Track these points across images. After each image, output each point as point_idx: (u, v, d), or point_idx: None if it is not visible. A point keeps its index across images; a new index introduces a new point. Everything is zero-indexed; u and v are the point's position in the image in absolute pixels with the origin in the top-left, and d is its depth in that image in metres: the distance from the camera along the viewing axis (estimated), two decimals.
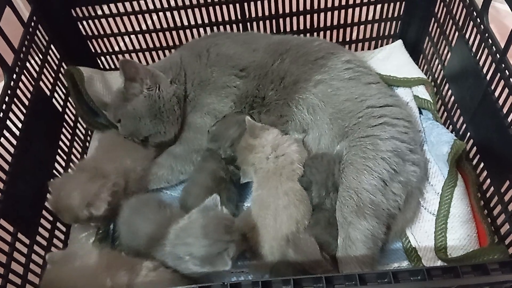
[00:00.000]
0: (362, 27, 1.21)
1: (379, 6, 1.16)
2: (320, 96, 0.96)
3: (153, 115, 0.99)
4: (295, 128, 0.99)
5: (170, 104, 1.00)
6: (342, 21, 1.18)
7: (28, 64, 0.98)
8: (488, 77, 0.87)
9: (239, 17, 1.16)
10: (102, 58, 1.24)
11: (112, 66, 1.25)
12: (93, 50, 1.22)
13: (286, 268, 0.80)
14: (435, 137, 0.98)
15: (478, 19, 0.90)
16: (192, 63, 1.04)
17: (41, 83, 1.01)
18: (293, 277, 0.56)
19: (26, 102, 0.95)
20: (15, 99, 0.91)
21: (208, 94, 1.02)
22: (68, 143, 1.09)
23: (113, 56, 1.24)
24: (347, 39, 1.23)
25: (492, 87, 0.85)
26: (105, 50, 1.22)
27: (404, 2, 1.14)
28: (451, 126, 1.03)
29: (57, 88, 1.08)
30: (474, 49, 0.92)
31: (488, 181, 0.89)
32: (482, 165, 0.91)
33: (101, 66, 1.25)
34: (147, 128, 1.00)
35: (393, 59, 1.16)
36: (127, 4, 1.12)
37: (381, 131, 0.88)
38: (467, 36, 0.94)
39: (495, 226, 0.87)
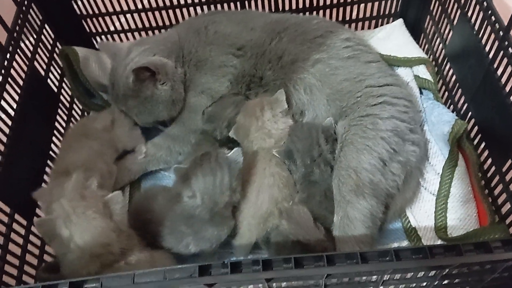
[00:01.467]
0: (362, 5, 1.19)
1: None
2: (317, 75, 0.94)
3: (169, 107, 1.00)
4: (293, 110, 0.97)
5: (181, 92, 1.01)
6: (341, 0, 1.16)
7: (22, 44, 0.95)
8: (490, 55, 0.85)
9: None
10: (97, 38, 1.22)
11: None
12: (88, 30, 1.19)
13: (283, 242, 0.80)
14: (436, 117, 0.97)
15: None
16: (190, 40, 1.02)
17: (35, 63, 0.99)
18: (294, 256, 0.56)
19: (21, 83, 0.93)
20: (9, 79, 0.89)
21: (203, 74, 1.01)
22: (64, 124, 1.07)
23: (108, 36, 1.21)
24: (347, 18, 1.21)
25: (495, 66, 0.84)
26: (100, 30, 1.20)
27: None
28: (452, 105, 1.02)
29: (52, 68, 1.06)
30: (476, 27, 0.90)
31: (489, 160, 0.88)
32: (483, 144, 0.90)
33: (96, 47, 1.22)
34: (162, 116, 1.01)
35: (393, 39, 1.14)
36: None
37: (380, 110, 0.87)
38: (469, 14, 0.92)
39: (495, 205, 0.87)
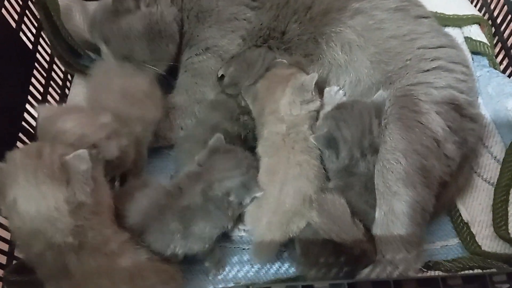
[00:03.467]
0: None
1: None
2: (358, 29, 0.79)
3: (151, 38, 0.82)
4: (324, 71, 0.82)
5: (171, 29, 0.84)
6: None
7: None
8: None
9: None
10: None
11: None
12: None
13: (313, 239, 0.68)
14: (494, 88, 0.84)
15: None
16: None
17: (3, 11, 0.82)
18: None
19: None
20: None
21: (207, 27, 0.86)
22: (41, 90, 0.92)
23: None
24: None
25: None
26: None
27: None
28: None
29: (26, 19, 0.90)
30: None
31: None
32: None
33: None
34: (142, 52, 0.83)
35: None
36: None
37: (435, 78, 0.73)
38: None
39: None
